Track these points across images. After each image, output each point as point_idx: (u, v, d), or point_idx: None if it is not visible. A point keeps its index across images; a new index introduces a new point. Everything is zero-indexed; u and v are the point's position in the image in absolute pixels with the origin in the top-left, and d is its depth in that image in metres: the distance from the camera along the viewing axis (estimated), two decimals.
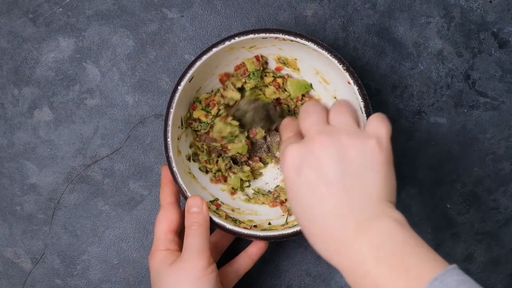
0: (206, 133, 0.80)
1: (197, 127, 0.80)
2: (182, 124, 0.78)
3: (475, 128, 0.84)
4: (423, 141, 0.84)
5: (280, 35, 0.74)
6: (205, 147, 0.80)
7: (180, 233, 0.76)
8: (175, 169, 0.74)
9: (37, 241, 0.83)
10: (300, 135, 0.67)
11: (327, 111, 0.66)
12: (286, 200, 0.81)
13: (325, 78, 0.79)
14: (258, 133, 0.81)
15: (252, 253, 0.78)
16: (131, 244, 0.83)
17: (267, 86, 0.81)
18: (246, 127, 0.81)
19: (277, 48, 0.78)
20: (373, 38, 0.83)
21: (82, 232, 0.83)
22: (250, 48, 0.77)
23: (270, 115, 0.81)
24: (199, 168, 0.81)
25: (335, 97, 0.80)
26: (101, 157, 0.83)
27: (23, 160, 0.83)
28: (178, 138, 0.78)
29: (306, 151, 0.62)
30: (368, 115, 0.73)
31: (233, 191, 0.82)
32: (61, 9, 0.83)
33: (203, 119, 0.80)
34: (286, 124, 0.70)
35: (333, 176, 0.61)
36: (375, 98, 0.83)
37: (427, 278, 0.56)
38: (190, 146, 0.80)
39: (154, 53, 0.83)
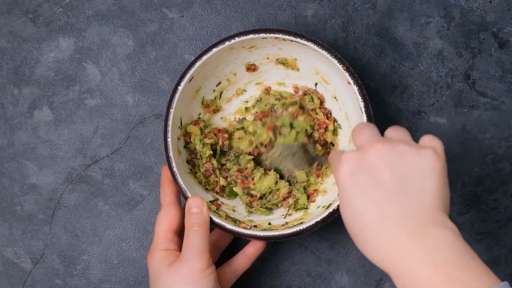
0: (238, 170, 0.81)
1: (194, 150, 0.80)
2: (181, 124, 0.78)
3: (475, 128, 0.84)
4: None
5: (280, 35, 0.74)
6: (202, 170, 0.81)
7: (180, 233, 0.76)
8: (175, 169, 0.74)
9: (37, 241, 0.83)
10: None
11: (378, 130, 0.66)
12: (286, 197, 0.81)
13: (325, 78, 0.79)
14: (299, 175, 0.80)
15: (250, 253, 0.78)
16: (131, 244, 0.83)
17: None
18: (285, 175, 0.80)
19: (277, 48, 0.78)
20: (373, 38, 0.83)
21: (82, 232, 0.83)
22: (250, 48, 0.77)
23: (310, 153, 0.80)
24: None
25: (335, 97, 0.80)
26: (101, 157, 0.83)
27: (23, 160, 0.83)
28: (178, 138, 0.78)
29: (362, 157, 0.62)
30: (368, 115, 0.73)
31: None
32: (61, 9, 0.83)
33: (198, 147, 0.80)
34: (334, 153, 0.70)
35: (389, 181, 0.61)
36: (375, 98, 0.83)
37: None
38: (187, 161, 0.80)
39: (154, 53, 0.83)
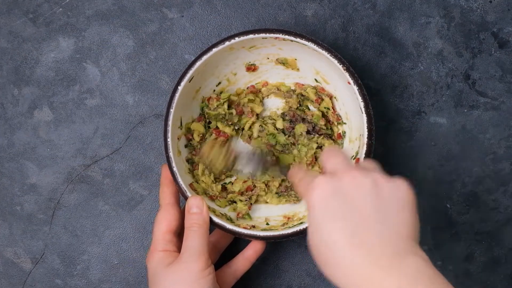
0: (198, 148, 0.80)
1: (196, 147, 0.80)
2: (181, 124, 0.78)
3: (475, 128, 0.84)
4: (423, 141, 0.84)
5: (280, 35, 0.74)
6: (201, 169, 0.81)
7: (179, 233, 0.76)
8: (175, 169, 0.74)
9: (37, 241, 0.83)
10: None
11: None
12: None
13: (325, 78, 0.79)
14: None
15: (249, 255, 0.78)
16: (131, 244, 0.83)
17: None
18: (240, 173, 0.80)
19: (277, 48, 0.78)
20: (373, 38, 0.83)
21: (82, 232, 0.83)
22: (250, 48, 0.77)
23: (267, 164, 0.79)
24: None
25: (335, 97, 0.80)
26: (101, 157, 0.83)
27: (23, 160, 0.83)
28: (178, 138, 0.78)
29: (337, 183, 0.61)
30: (368, 115, 0.73)
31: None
32: (61, 9, 0.83)
33: (196, 137, 0.80)
34: (297, 170, 0.69)
35: (365, 209, 0.60)
36: (375, 98, 0.83)
37: None
38: (187, 160, 0.80)
39: (154, 53, 0.83)
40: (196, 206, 0.74)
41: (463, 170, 0.84)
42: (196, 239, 0.72)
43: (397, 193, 0.61)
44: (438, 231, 0.84)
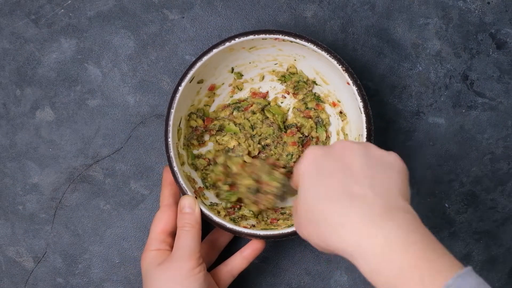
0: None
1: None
2: (180, 125, 0.79)
3: (473, 128, 0.84)
4: (421, 141, 0.84)
5: (280, 36, 0.74)
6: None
7: (173, 234, 0.76)
8: (176, 169, 0.75)
9: (39, 240, 0.83)
10: None
11: None
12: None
13: (324, 78, 0.80)
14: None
15: (247, 254, 0.78)
16: (132, 243, 0.84)
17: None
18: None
19: (277, 49, 0.78)
20: (372, 39, 0.84)
21: (84, 231, 0.84)
22: (250, 49, 0.78)
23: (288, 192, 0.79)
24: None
25: (338, 100, 0.80)
26: (102, 157, 0.84)
27: (25, 160, 0.83)
28: (179, 138, 0.78)
29: (328, 148, 0.63)
30: (367, 115, 0.74)
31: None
32: (62, 10, 0.83)
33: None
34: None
35: (356, 165, 0.61)
36: (374, 99, 0.84)
37: (449, 276, 0.56)
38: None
39: (155, 54, 0.83)
40: (188, 206, 0.74)
41: (461, 170, 0.84)
42: (188, 238, 0.73)
43: (388, 158, 0.63)
44: (437, 230, 0.84)
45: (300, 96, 0.82)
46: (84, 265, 0.84)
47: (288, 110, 0.82)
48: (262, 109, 0.82)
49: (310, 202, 0.62)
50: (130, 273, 0.84)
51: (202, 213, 0.75)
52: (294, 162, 0.81)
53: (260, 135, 0.82)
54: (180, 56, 0.83)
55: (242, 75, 0.81)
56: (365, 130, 0.74)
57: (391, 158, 0.63)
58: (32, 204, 0.83)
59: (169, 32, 0.83)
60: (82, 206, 0.84)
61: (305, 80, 0.81)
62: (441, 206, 0.84)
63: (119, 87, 0.84)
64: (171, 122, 0.75)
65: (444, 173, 0.84)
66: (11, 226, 0.83)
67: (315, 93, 0.81)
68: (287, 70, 0.81)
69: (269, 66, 0.81)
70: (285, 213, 0.80)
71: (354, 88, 0.74)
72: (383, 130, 0.84)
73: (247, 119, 0.82)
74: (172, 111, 0.75)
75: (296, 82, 0.81)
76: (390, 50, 0.84)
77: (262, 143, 0.82)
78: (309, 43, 0.74)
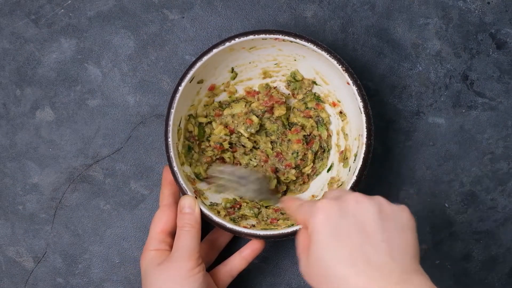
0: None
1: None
2: (180, 125, 0.79)
3: (473, 128, 0.84)
4: (421, 141, 0.84)
5: (280, 36, 0.74)
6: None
7: (173, 234, 0.76)
8: (176, 169, 0.75)
9: (39, 240, 0.83)
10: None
11: None
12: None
13: (324, 78, 0.80)
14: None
15: (246, 254, 0.79)
16: (132, 243, 0.84)
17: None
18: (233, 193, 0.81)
19: (277, 49, 0.78)
20: (372, 39, 0.84)
21: (84, 231, 0.84)
22: (250, 49, 0.78)
23: (265, 190, 0.80)
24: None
25: (338, 100, 0.80)
26: (102, 157, 0.84)
27: (25, 160, 0.83)
28: (178, 138, 0.78)
29: (342, 205, 0.63)
30: (367, 115, 0.74)
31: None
32: (62, 10, 0.83)
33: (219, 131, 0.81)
34: (291, 199, 0.70)
35: (372, 230, 0.61)
36: (374, 99, 0.84)
37: None
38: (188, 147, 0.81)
39: (155, 54, 0.84)
40: (188, 206, 0.74)
41: (461, 170, 0.84)
42: (187, 239, 0.73)
43: (400, 215, 0.63)
44: (437, 231, 0.84)
45: (300, 96, 0.82)
46: (84, 265, 0.84)
47: (290, 109, 0.83)
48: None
49: (326, 261, 0.61)
50: (130, 273, 0.84)
51: (202, 213, 0.75)
52: (301, 159, 0.81)
53: (265, 130, 0.82)
54: (180, 56, 0.84)
55: (237, 74, 0.81)
56: (365, 130, 0.74)
57: (404, 217, 0.63)
58: (32, 204, 0.83)
59: (169, 32, 0.84)
60: (82, 206, 0.84)
61: (300, 78, 0.81)
62: (441, 206, 0.84)
63: (119, 87, 0.84)
64: (171, 122, 0.75)
65: (444, 173, 0.84)
66: (11, 226, 0.83)
67: (315, 93, 0.81)
68: (291, 75, 0.81)
69: (269, 66, 0.81)
70: (285, 213, 0.80)
71: (354, 88, 0.74)
72: (383, 130, 0.84)
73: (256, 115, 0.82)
74: (172, 111, 0.75)
75: (294, 81, 0.81)
76: (390, 50, 0.84)
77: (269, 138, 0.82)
78: (309, 43, 0.74)
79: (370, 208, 0.62)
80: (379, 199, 0.64)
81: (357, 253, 0.60)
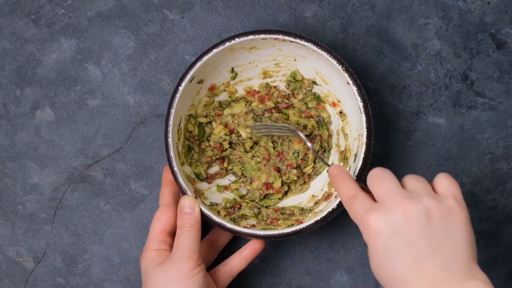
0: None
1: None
2: (180, 125, 0.79)
3: (473, 128, 0.84)
4: (421, 141, 0.84)
5: (280, 36, 0.74)
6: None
7: (173, 233, 0.76)
8: (175, 168, 0.75)
9: (39, 240, 0.83)
10: (364, 193, 0.67)
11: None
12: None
13: (324, 78, 0.80)
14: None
15: (246, 254, 0.79)
16: (132, 243, 0.84)
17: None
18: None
19: (276, 49, 0.78)
20: (372, 39, 0.84)
21: (84, 231, 0.84)
22: (250, 49, 0.78)
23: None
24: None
25: (338, 100, 0.80)
26: (102, 157, 0.84)
27: (25, 160, 0.83)
28: (178, 138, 0.78)
29: (392, 218, 0.63)
30: (367, 115, 0.74)
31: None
32: (62, 10, 0.83)
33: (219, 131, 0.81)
34: (340, 176, 0.70)
35: (422, 241, 0.62)
36: (374, 99, 0.84)
37: None
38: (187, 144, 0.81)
39: (155, 54, 0.84)
40: (188, 206, 0.74)
41: (461, 170, 0.84)
42: (187, 239, 0.73)
43: (449, 216, 0.63)
44: None
45: (300, 96, 0.82)
46: (84, 265, 0.84)
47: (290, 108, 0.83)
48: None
49: (382, 272, 0.64)
50: (130, 273, 0.84)
51: (202, 213, 0.75)
52: (302, 159, 0.81)
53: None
54: (180, 56, 0.84)
55: (237, 74, 0.81)
56: (365, 130, 0.74)
57: (453, 215, 0.63)
58: (32, 204, 0.83)
59: (169, 32, 0.84)
60: (82, 206, 0.84)
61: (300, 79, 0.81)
62: None
63: (119, 87, 0.84)
64: (171, 122, 0.75)
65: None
66: (11, 226, 0.83)
67: (315, 93, 0.81)
68: (291, 75, 0.81)
69: (269, 66, 0.81)
70: (285, 213, 0.80)
71: (354, 88, 0.74)
72: (383, 130, 0.84)
73: (257, 115, 0.82)
74: (172, 111, 0.75)
75: (294, 81, 0.81)
76: (390, 50, 0.84)
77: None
78: (309, 43, 0.74)
79: (418, 219, 0.62)
80: (425, 202, 0.63)
81: (411, 269, 0.62)
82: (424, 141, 0.84)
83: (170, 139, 0.75)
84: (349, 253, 0.84)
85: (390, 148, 0.84)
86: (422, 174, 0.84)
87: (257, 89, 0.82)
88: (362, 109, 0.74)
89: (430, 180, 0.66)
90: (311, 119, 0.82)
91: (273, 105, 0.81)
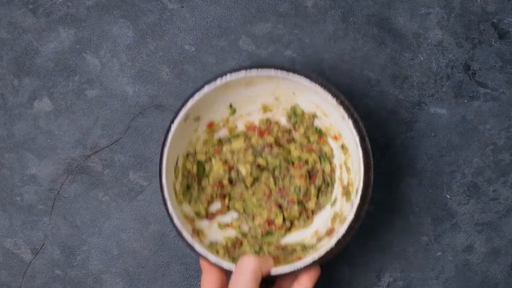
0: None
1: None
2: (177, 163, 0.77)
3: (475, 119, 0.84)
4: (423, 132, 0.84)
5: (272, 72, 0.72)
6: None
7: None
8: (170, 210, 0.73)
9: (37, 231, 0.83)
10: None
11: None
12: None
13: (324, 111, 0.77)
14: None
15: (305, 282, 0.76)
16: (131, 234, 0.83)
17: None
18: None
19: (274, 84, 0.75)
20: (373, 29, 0.83)
21: (82, 223, 0.83)
22: (246, 84, 0.75)
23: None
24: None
25: (339, 134, 0.79)
26: (101, 148, 0.83)
27: (23, 151, 0.83)
28: (176, 177, 0.77)
29: None
30: (364, 150, 0.72)
31: None
32: None
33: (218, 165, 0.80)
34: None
35: None
36: (375, 89, 0.83)
37: None
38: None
39: (154, 44, 0.83)
40: (251, 270, 0.72)
41: (463, 160, 0.84)
42: None
43: None
44: (438, 222, 0.84)
45: (302, 130, 0.80)
46: (83, 256, 0.83)
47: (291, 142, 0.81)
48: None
49: None
50: (129, 265, 0.83)
51: (198, 252, 0.73)
52: (303, 195, 0.80)
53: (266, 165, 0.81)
54: (179, 46, 0.83)
55: (235, 110, 0.80)
56: (362, 165, 0.72)
57: None
58: (30, 195, 0.83)
59: (168, 21, 0.83)
60: (81, 197, 0.83)
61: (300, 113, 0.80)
62: (443, 197, 0.84)
63: (117, 77, 0.83)
64: (164, 162, 0.73)
65: (446, 164, 0.84)
66: (9, 217, 0.83)
67: (316, 126, 0.80)
68: (291, 109, 0.80)
69: (268, 101, 0.79)
70: (287, 250, 0.79)
71: (350, 122, 0.71)
72: (384, 121, 0.84)
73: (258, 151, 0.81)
74: (165, 150, 0.73)
75: (294, 115, 0.80)
76: (391, 40, 0.84)
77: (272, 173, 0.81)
78: (302, 78, 0.72)
79: None
80: None
81: None
82: (426, 131, 0.84)
83: (164, 180, 0.73)
84: (350, 245, 0.84)
85: (391, 139, 0.84)
86: (424, 165, 0.84)
87: (257, 124, 0.81)
88: (358, 144, 0.72)
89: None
90: (313, 153, 0.80)
91: (273, 140, 0.80)
